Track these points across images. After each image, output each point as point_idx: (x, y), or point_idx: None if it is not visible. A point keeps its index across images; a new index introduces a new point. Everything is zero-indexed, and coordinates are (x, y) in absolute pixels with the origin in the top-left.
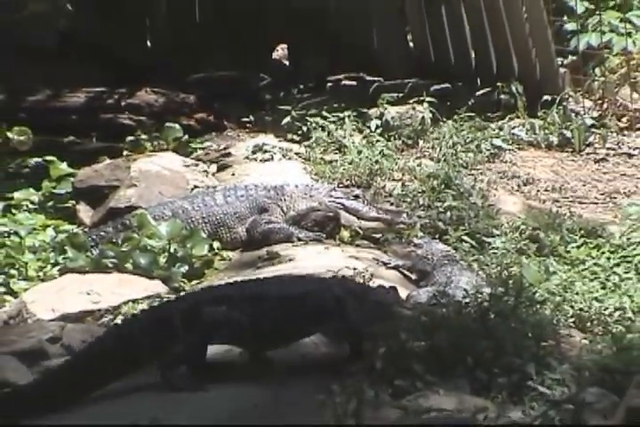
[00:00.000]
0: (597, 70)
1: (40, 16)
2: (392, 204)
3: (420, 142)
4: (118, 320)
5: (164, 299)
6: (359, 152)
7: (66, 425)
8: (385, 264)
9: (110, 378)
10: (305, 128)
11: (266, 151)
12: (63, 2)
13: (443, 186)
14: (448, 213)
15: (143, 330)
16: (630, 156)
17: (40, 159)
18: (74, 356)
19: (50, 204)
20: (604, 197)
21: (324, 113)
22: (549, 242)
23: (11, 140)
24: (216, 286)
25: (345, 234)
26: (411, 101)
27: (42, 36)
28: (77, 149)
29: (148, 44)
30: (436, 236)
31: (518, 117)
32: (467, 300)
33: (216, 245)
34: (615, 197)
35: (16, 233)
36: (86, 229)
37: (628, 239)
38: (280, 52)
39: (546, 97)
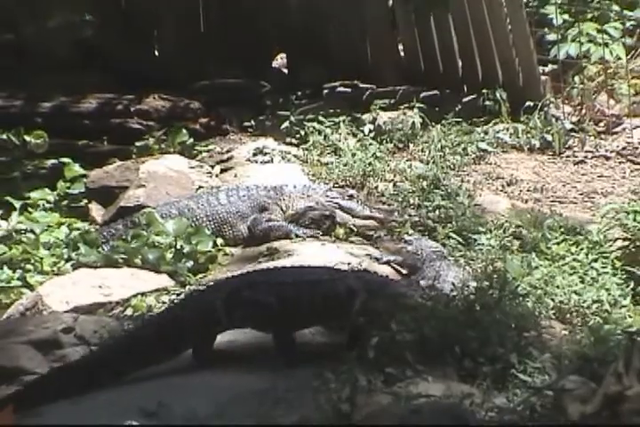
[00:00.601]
0: (576, 78)
1: (63, 27)
2: (384, 203)
3: (411, 146)
4: (128, 312)
5: (171, 292)
6: (353, 155)
7: (63, 426)
8: (377, 260)
9: (154, 360)
10: (303, 132)
11: (266, 154)
12: (86, 14)
13: (432, 186)
14: (437, 212)
15: (187, 315)
16: (607, 158)
17: (56, 161)
18: (119, 337)
19: (64, 203)
20: (583, 197)
21: (321, 118)
22: (531, 239)
23: (28, 144)
24: (249, 273)
25: (340, 231)
26: (402, 107)
27: (57, 46)
28: (90, 152)
29: (156, 53)
30: (426, 233)
31: (502, 122)
32: (454, 293)
33: (219, 241)
34: (593, 197)
35: (32, 230)
36: (98, 227)
37: (605, 236)
38: (279, 61)
39: (528, 103)
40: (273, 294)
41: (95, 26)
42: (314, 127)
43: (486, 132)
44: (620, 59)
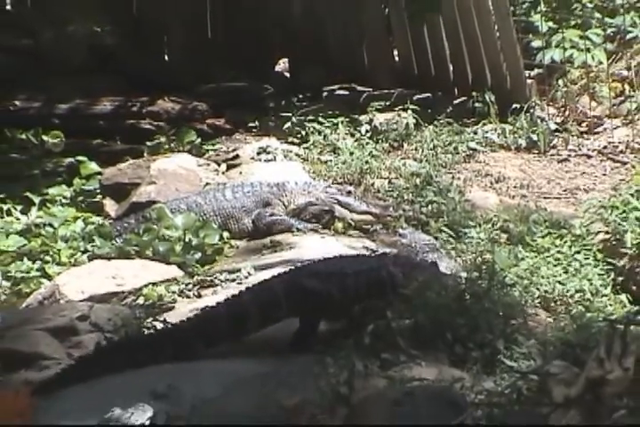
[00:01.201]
0: (560, 81)
1: (78, 34)
2: (380, 199)
3: (405, 145)
4: (140, 300)
5: (180, 282)
6: (351, 153)
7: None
8: (373, 252)
9: (220, 340)
10: (304, 132)
11: (269, 153)
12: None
13: (424, 183)
14: (429, 207)
15: (253, 300)
16: (589, 157)
17: (72, 159)
18: (191, 319)
19: (80, 198)
20: (566, 193)
21: (321, 119)
22: (518, 232)
23: (46, 143)
24: (305, 264)
25: (339, 225)
26: (396, 109)
27: (73, 52)
28: (104, 151)
29: (166, 58)
30: (419, 227)
31: (491, 123)
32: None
33: (225, 235)
34: (576, 193)
35: (50, 224)
36: (112, 221)
37: (587, 230)
38: (282, 65)
39: (515, 105)
40: (335, 284)
41: (109, 34)
42: (314, 128)
43: (476, 133)
44: (601, 63)
